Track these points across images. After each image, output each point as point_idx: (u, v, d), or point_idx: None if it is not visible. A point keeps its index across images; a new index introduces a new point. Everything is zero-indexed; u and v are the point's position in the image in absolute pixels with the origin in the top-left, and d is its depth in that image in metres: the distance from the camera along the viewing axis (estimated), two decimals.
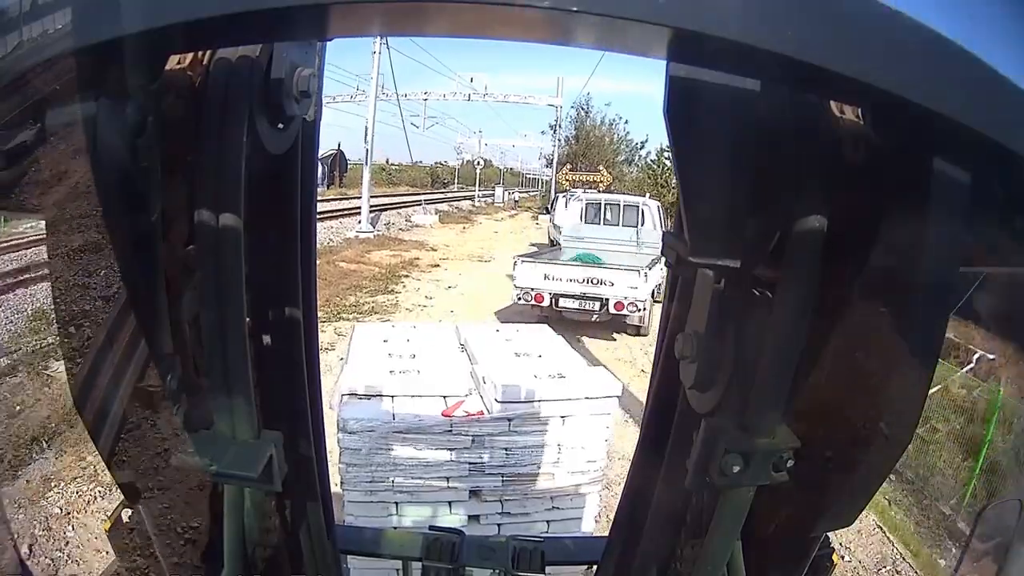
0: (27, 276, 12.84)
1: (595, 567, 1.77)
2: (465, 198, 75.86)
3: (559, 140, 66.56)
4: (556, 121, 65.32)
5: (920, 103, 0.62)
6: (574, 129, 69.47)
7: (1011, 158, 0.65)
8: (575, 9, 0.60)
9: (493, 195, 79.79)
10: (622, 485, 1.60)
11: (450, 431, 5.77)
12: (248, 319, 1.00)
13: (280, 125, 1.02)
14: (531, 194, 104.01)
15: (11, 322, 11.51)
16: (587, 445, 6.13)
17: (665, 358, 1.30)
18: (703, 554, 1.10)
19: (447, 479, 5.80)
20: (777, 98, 0.86)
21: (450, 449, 5.78)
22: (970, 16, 0.68)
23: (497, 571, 1.76)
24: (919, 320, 0.86)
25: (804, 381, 0.96)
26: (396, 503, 5.70)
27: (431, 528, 1.85)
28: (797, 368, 0.95)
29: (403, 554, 2.07)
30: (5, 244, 15.15)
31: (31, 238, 14.67)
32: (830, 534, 1.20)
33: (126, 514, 1.12)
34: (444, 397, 5.96)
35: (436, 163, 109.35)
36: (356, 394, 5.81)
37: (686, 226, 0.99)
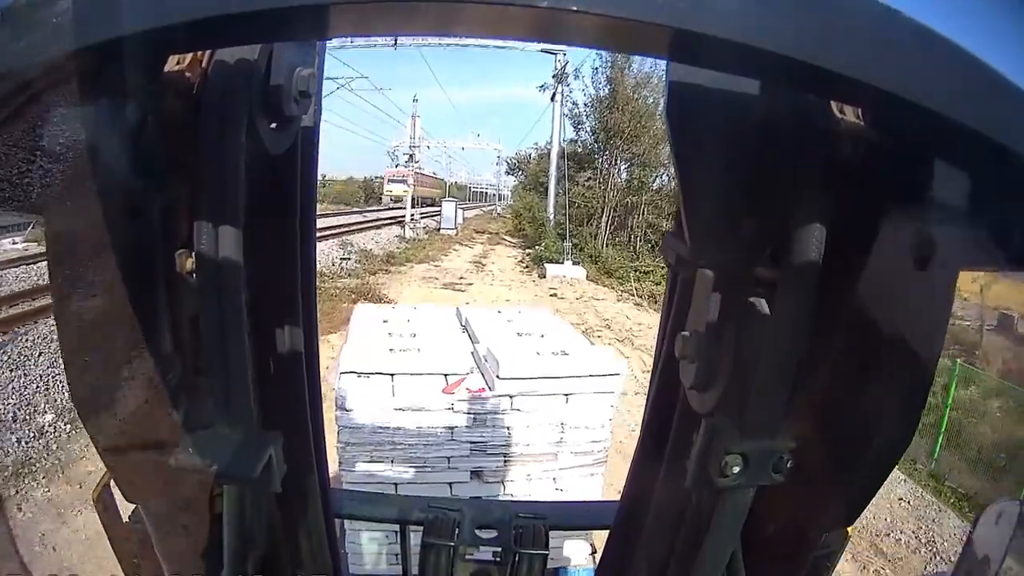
0: None
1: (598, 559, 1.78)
2: (395, 221, 47.05)
3: (562, 111, 38.07)
4: (558, 72, 36.85)
5: (921, 103, 0.62)
6: (607, 86, 36.83)
7: (1011, 158, 0.65)
8: (575, 9, 0.59)
9: (440, 215, 48.70)
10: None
11: (451, 409, 5.78)
12: (247, 319, 1.00)
13: (280, 125, 1.02)
14: (486, 209, 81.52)
15: None
16: (591, 424, 6.14)
17: (665, 358, 1.30)
18: (703, 554, 1.10)
19: (448, 459, 5.82)
20: (778, 98, 0.86)
21: (451, 428, 5.80)
22: (971, 15, 0.68)
23: (499, 549, 1.76)
24: (919, 320, 0.86)
25: (804, 382, 0.96)
26: (395, 484, 5.72)
27: (431, 505, 1.86)
28: (797, 369, 0.95)
29: (401, 518, 2.08)
30: None
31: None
32: None
33: (114, 485, 1.13)
34: (445, 375, 5.97)
35: (373, 177, 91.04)
36: (355, 372, 5.82)
37: (686, 226, 0.99)
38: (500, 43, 37.26)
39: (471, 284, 26.43)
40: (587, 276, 29.84)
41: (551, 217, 38.22)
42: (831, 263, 0.88)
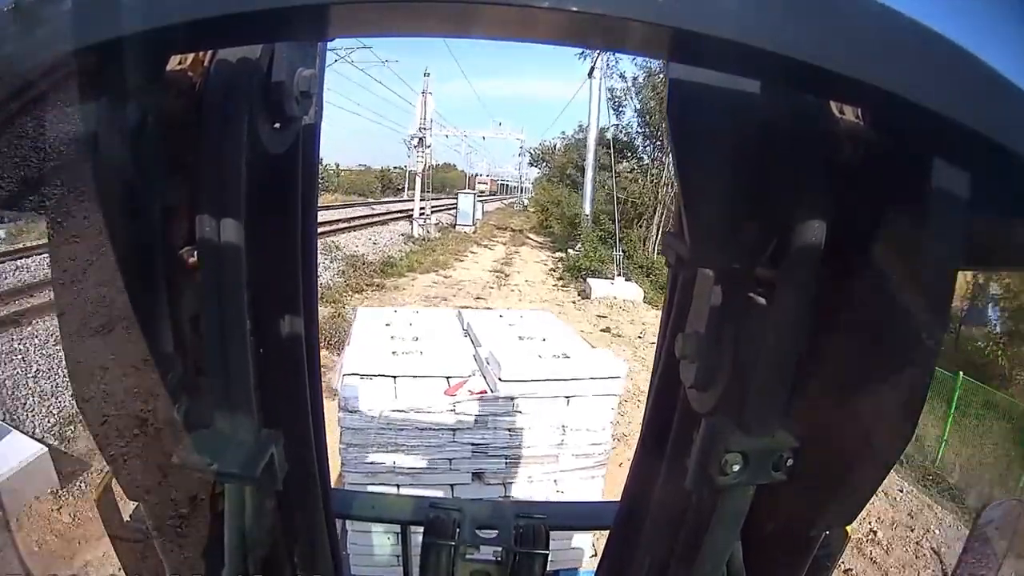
0: None
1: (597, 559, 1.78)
2: (405, 214, 39.58)
3: (601, 80, 30.68)
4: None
5: (921, 103, 0.62)
6: None
7: (1011, 158, 0.65)
8: (575, 9, 0.60)
9: (457, 208, 41.95)
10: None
11: (453, 411, 5.78)
12: (248, 318, 1.00)
13: (281, 126, 1.02)
14: (507, 202, 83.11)
15: None
16: (592, 427, 6.14)
17: (665, 357, 1.30)
18: (703, 553, 1.10)
19: (449, 461, 5.82)
20: (778, 99, 0.86)
21: (452, 430, 5.80)
22: (971, 15, 0.68)
23: (500, 549, 1.76)
24: (918, 319, 0.86)
25: (803, 381, 0.97)
26: (397, 485, 5.72)
27: (432, 505, 1.86)
28: (796, 368, 0.95)
29: (402, 518, 2.09)
30: None
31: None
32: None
33: (115, 485, 1.13)
34: (447, 378, 5.97)
35: (392, 167, 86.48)
36: (358, 374, 5.82)
37: (686, 226, 1.00)
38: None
39: (491, 309, 17.38)
40: (644, 297, 22.36)
41: (588, 214, 30.95)
42: (831, 263, 0.88)
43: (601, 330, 17.94)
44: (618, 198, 27.94)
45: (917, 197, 0.77)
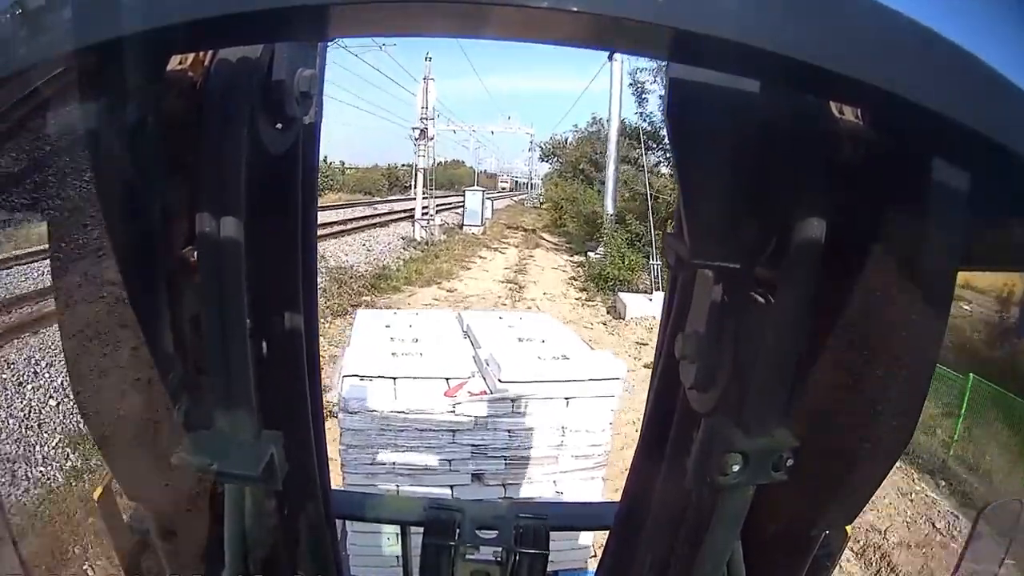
0: None
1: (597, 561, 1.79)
2: (408, 214, 35.87)
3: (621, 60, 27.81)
4: None
5: (921, 103, 0.62)
6: None
7: (1011, 158, 0.65)
8: (575, 9, 0.60)
9: (464, 207, 39.03)
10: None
11: (452, 412, 5.79)
12: (249, 318, 1.00)
13: (281, 126, 1.02)
14: (517, 198, 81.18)
15: None
16: (591, 428, 6.15)
17: (665, 357, 1.30)
18: (703, 553, 1.10)
19: (449, 462, 5.83)
20: (778, 99, 0.86)
21: (452, 431, 5.81)
22: (971, 15, 0.68)
23: (500, 549, 1.76)
24: (918, 320, 0.86)
25: (804, 381, 0.97)
26: (397, 486, 5.73)
27: (432, 505, 1.86)
28: (797, 368, 0.95)
29: (402, 519, 2.09)
30: None
31: None
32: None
33: (115, 485, 1.13)
34: (447, 379, 5.98)
35: (400, 164, 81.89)
36: (358, 375, 5.83)
37: (686, 227, 0.99)
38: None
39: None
40: None
41: (610, 213, 27.85)
42: (831, 263, 0.88)
43: (645, 365, 13.22)
44: (655, 195, 24.89)
45: (917, 197, 0.77)
